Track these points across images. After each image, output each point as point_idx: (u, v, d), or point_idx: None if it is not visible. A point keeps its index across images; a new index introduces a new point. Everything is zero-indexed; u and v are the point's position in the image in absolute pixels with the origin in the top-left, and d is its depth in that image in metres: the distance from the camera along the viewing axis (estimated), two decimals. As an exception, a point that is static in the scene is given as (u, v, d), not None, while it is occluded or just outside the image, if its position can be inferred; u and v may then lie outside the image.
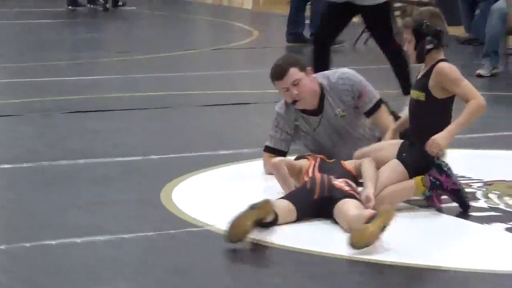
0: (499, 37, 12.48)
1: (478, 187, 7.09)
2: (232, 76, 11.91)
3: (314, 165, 6.51)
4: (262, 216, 5.81)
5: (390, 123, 7.26)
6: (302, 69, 7.02)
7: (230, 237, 5.72)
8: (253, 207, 5.80)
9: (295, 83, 6.97)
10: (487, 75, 12.08)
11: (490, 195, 6.90)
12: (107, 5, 18.63)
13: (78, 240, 5.91)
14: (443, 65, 6.65)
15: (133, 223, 6.31)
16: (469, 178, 7.11)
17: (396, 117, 7.49)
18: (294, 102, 7.09)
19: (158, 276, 5.49)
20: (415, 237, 6.30)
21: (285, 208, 6.14)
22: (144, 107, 10.02)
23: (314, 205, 6.17)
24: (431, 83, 6.62)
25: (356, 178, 6.59)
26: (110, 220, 6.39)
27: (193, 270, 5.65)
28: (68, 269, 5.53)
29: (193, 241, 5.92)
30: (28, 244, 5.83)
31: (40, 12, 18.48)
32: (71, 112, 9.60)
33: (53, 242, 5.87)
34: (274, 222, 6.05)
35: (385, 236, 5.91)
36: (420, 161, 6.58)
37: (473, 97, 6.54)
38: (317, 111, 7.16)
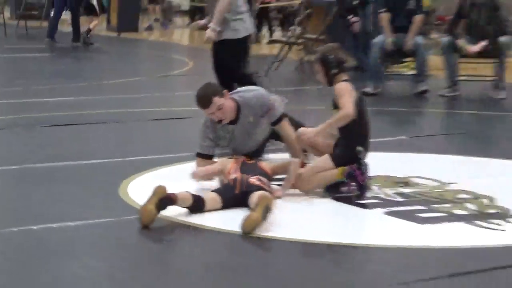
0: (378, 64, 12.57)
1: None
2: (173, 97, 11.89)
3: (237, 166, 6.51)
4: (159, 197, 5.81)
5: (290, 131, 7.32)
6: (221, 95, 6.99)
7: (142, 221, 5.79)
8: (152, 194, 5.85)
9: (219, 108, 6.95)
10: (372, 92, 12.15)
11: (372, 186, 6.92)
12: (77, 43, 18.58)
13: (54, 225, 5.89)
14: (338, 84, 6.75)
15: (98, 211, 6.27)
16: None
17: (299, 125, 7.58)
18: (220, 121, 7.09)
19: (119, 253, 5.52)
20: (312, 219, 6.35)
21: (213, 198, 6.20)
22: (106, 121, 9.96)
23: (236, 197, 6.23)
24: (336, 98, 6.70)
25: (270, 175, 6.63)
26: (80, 209, 6.34)
27: (145, 246, 5.68)
28: (46, 248, 5.51)
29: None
30: (15, 229, 5.80)
31: (23, 48, 18.33)
32: (49, 126, 9.53)
33: (35, 227, 5.83)
34: (202, 208, 6.11)
35: (288, 217, 6.11)
36: (343, 157, 6.68)
37: (343, 107, 6.63)
38: (234, 120, 7.15)
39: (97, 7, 19.48)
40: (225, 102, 7.02)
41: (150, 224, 5.78)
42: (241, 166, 6.58)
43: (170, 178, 7.11)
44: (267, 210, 5.80)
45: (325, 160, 6.78)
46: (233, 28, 9.18)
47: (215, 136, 7.23)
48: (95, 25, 19.23)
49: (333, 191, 6.82)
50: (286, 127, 7.37)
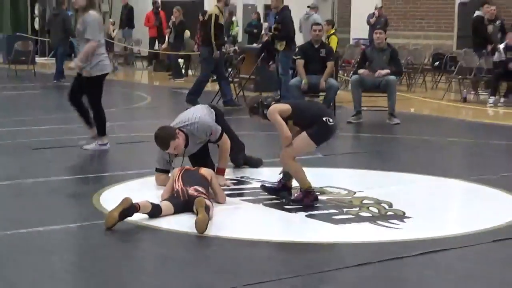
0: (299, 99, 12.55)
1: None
2: (135, 125, 11.81)
3: (179, 176, 6.49)
4: (124, 207, 5.82)
5: (226, 145, 7.36)
6: (176, 136, 6.96)
7: (105, 224, 5.79)
8: (119, 203, 5.84)
9: (175, 148, 6.95)
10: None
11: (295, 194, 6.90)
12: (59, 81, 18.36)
13: (40, 228, 5.82)
14: (268, 114, 6.66)
15: (74, 217, 6.26)
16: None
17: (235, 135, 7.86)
18: (176, 155, 7.16)
19: (93, 249, 5.44)
20: (247, 221, 6.36)
21: (166, 205, 6.20)
22: (79, 144, 9.84)
23: (182, 204, 6.21)
24: None
25: (208, 181, 6.58)
26: (60, 216, 6.30)
27: (113, 243, 5.61)
28: (33, 246, 5.47)
29: (115, 228, 5.82)
30: (8, 232, 5.74)
31: (14, 87, 18.08)
32: (35, 149, 9.39)
33: (24, 230, 5.78)
34: (159, 214, 6.12)
35: (227, 220, 6.18)
36: (317, 132, 6.59)
37: (280, 134, 6.61)
38: (186, 145, 7.14)
39: None
40: (179, 142, 7.00)
41: (112, 227, 5.75)
42: (183, 173, 6.54)
43: (135, 189, 7.07)
44: (206, 208, 5.85)
45: (305, 139, 6.62)
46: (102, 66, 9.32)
47: (170, 156, 7.21)
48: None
49: (269, 190, 6.87)
50: (223, 144, 7.39)
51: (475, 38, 17.51)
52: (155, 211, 6.07)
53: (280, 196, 6.82)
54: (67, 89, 9.80)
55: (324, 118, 6.61)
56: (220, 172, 7.36)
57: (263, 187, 6.94)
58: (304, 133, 6.61)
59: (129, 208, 5.84)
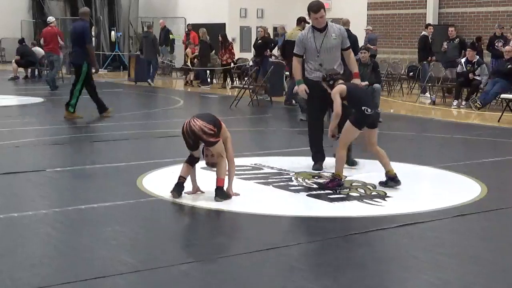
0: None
1: (291, 174, 7.06)
2: (171, 122, 11.81)
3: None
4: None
5: (352, 55, 7.56)
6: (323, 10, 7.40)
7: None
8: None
9: (321, 16, 7.35)
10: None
11: (298, 178, 6.91)
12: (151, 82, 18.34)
13: (95, 205, 5.80)
14: (335, 88, 6.68)
15: (124, 196, 6.17)
16: (287, 170, 7.06)
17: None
18: (315, 28, 7.43)
19: (137, 221, 5.41)
20: (255, 199, 6.27)
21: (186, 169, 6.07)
22: (128, 138, 9.84)
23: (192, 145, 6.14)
24: None
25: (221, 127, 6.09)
26: (112, 195, 6.23)
27: (152, 218, 5.56)
28: (90, 219, 5.40)
29: (154, 204, 5.82)
30: (70, 208, 5.67)
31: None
32: (91, 141, 9.40)
33: (82, 207, 5.72)
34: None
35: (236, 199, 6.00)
36: (358, 118, 6.54)
37: (335, 107, 6.56)
38: (323, 29, 7.39)
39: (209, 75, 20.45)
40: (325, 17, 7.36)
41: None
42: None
43: (170, 174, 7.04)
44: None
45: (350, 128, 6.54)
46: None
47: (304, 45, 7.42)
48: (189, 78, 20.30)
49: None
50: (350, 53, 7.57)
51: (420, 52, 17.49)
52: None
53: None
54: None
55: (363, 107, 6.53)
56: (356, 75, 7.44)
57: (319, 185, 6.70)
58: (348, 122, 6.56)
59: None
